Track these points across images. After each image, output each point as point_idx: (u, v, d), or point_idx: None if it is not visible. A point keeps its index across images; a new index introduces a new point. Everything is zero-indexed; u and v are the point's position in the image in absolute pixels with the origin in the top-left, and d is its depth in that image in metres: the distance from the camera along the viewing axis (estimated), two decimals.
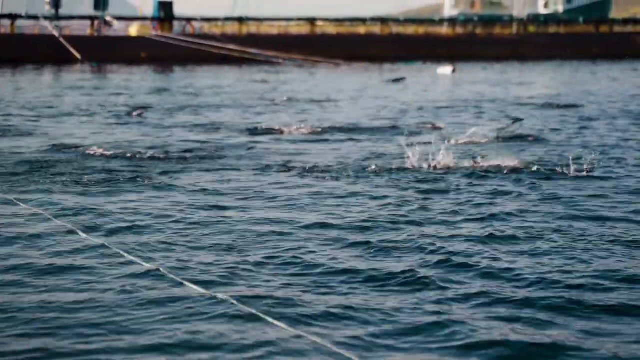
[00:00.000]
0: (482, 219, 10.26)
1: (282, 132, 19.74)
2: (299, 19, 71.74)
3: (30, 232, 9.48)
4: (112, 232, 9.58)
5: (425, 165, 14.00)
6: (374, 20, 74.20)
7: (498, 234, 9.54)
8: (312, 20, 70.87)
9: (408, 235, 9.42)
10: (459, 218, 10.38)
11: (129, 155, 15.52)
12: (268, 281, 7.75)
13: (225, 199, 11.60)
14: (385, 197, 11.67)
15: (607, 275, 7.95)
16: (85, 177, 13.12)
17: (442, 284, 7.66)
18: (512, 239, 9.34)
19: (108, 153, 15.67)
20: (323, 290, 7.52)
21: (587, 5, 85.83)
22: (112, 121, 22.39)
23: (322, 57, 60.39)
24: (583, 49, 71.11)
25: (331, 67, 57.13)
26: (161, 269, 7.85)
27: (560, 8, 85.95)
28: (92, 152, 15.71)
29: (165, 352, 6.14)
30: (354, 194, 11.88)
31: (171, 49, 60.28)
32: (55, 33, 59.27)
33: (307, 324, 6.57)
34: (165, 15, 65.78)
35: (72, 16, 65.81)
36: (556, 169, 13.85)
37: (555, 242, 9.21)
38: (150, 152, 15.92)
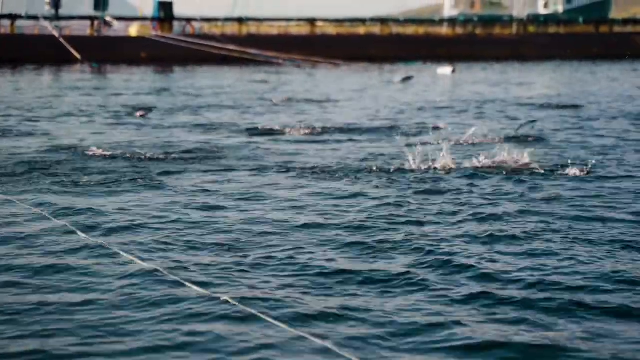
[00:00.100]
0: (481, 220, 10.26)
1: (281, 133, 19.73)
2: (299, 20, 71.75)
3: (29, 232, 9.48)
4: (111, 232, 9.58)
5: (424, 166, 13.99)
6: (374, 20, 74.21)
7: (497, 234, 9.53)
8: (312, 21, 70.87)
9: (407, 236, 9.42)
10: (458, 219, 10.38)
11: (128, 155, 15.52)
12: (267, 281, 7.74)
13: (225, 199, 11.60)
14: (384, 197, 11.66)
15: (607, 276, 7.94)
16: (85, 177, 13.12)
17: (441, 285, 7.66)
18: (512, 239, 9.33)
19: (107, 153, 15.67)
20: (322, 290, 7.52)
21: (587, 6, 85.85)
22: (111, 121, 22.38)
23: (322, 58, 60.38)
24: (583, 49, 71.11)
25: (331, 67, 57.12)
26: (160, 269, 7.84)
27: (560, 8, 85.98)
28: (91, 152, 15.71)
29: (164, 352, 6.14)
30: (353, 195, 11.87)
31: (171, 49, 60.28)
32: (55, 33, 59.27)
33: (305, 324, 6.56)
34: (165, 15, 65.79)
35: (72, 16, 65.81)
36: (556, 169, 13.85)
37: (555, 242, 9.20)
38: (149, 153, 15.92)
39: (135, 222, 10.05)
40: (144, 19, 68.51)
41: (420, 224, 10.10)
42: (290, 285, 7.63)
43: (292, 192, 12.16)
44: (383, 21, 74.24)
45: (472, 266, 8.19)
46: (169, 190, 12.17)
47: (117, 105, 27.28)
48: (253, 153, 16.28)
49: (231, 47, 61.32)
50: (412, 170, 13.81)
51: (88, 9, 65.58)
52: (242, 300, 6.99)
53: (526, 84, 40.85)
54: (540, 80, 44.53)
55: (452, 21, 77.84)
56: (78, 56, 56.69)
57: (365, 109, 26.53)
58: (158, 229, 9.77)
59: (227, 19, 69.82)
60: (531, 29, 78.21)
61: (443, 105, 28.01)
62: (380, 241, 9.20)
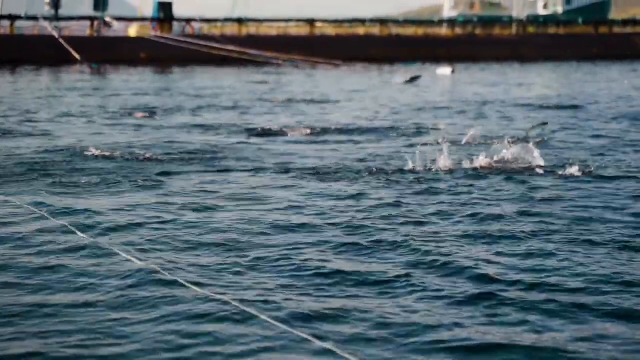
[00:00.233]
0: (481, 221, 10.25)
1: (281, 133, 19.73)
2: (298, 20, 71.78)
3: (28, 232, 9.48)
4: (110, 232, 9.57)
5: (424, 167, 13.99)
6: (374, 21, 74.22)
7: (497, 235, 9.53)
8: (311, 21, 70.89)
9: (407, 237, 9.41)
10: (458, 219, 10.37)
11: (127, 156, 15.52)
12: (266, 282, 7.74)
13: (224, 199, 11.59)
14: (383, 198, 11.66)
15: (606, 278, 7.93)
16: (84, 177, 13.12)
17: (440, 286, 7.65)
18: (511, 240, 9.33)
19: (107, 154, 15.67)
20: (321, 291, 7.51)
21: (587, 6, 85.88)
22: (111, 122, 22.37)
23: (322, 58, 60.39)
24: (582, 50, 71.14)
25: (330, 68, 57.13)
26: (159, 269, 7.84)
27: (560, 9, 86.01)
28: (90, 153, 15.70)
29: (162, 351, 6.13)
30: (352, 195, 11.87)
31: (171, 50, 60.28)
32: (55, 34, 59.26)
33: (304, 325, 6.55)
34: (164, 16, 65.80)
35: (72, 17, 65.81)
36: (555, 169, 13.84)
37: (555, 243, 9.19)
38: (148, 153, 15.91)
39: (134, 222, 10.05)
40: (143, 19, 68.53)
41: (419, 224, 10.09)
42: (289, 286, 7.62)
43: (291, 192, 12.16)
44: (382, 22, 74.26)
45: (471, 267, 8.19)
46: (168, 191, 12.16)
47: (117, 106, 27.27)
48: (252, 153, 16.28)
49: (231, 47, 61.33)
50: (412, 171, 13.80)
51: (88, 9, 65.58)
52: (241, 300, 6.99)
53: (526, 85, 40.86)
54: (540, 81, 44.54)
55: (451, 22, 77.86)
56: (77, 57, 56.68)
57: (365, 110, 26.53)
58: (157, 229, 9.77)
59: (226, 20, 69.84)
60: (531, 29, 78.25)
61: (443, 106, 28.01)
62: (380, 242, 9.19)
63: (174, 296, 7.22)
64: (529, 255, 8.69)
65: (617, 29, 79.90)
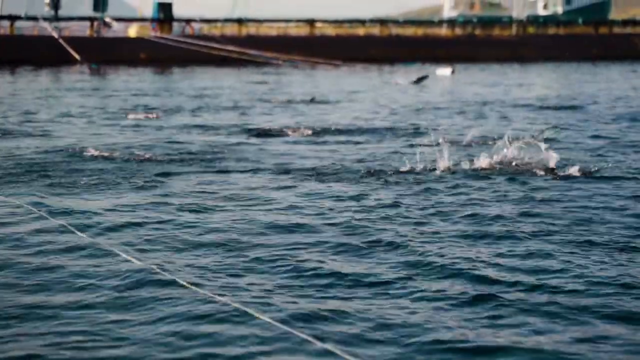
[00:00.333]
0: (480, 222, 10.23)
1: (280, 134, 19.72)
2: (298, 20, 71.82)
3: (27, 231, 9.47)
4: (109, 232, 9.56)
5: (423, 167, 13.97)
6: (373, 21, 74.26)
7: (496, 236, 9.51)
8: (311, 22, 70.93)
9: (406, 238, 9.40)
10: (457, 220, 10.36)
11: (126, 156, 15.51)
12: (264, 282, 7.72)
13: (223, 200, 11.58)
14: (383, 199, 11.65)
15: (606, 279, 7.92)
16: (83, 177, 13.11)
17: (439, 287, 7.64)
18: (510, 241, 9.32)
19: (106, 154, 15.66)
20: (319, 291, 7.50)
21: (587, 7, 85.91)
22: (110, 122, 22.37)
23: (322, 58, 60.41)
24: (582, 51, 71.16)
25: (330, 68, 57.13)
26: (157, 269, 7.83)
27: (560, 9, 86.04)
28: (90, 153, 15.69)
29: (160, 351, 6.12)
30: (351, 196, 11.85)
31: (170, 50, 60.31)
32: (55, 34, 59.29)
33: (302, 325, 6.54)
34: (164, 16, 65.83)
35: (72, 17, 65.85)
36: (555, 170, 13.83)
37: (554, 244, 9.18)
38: (148, 153, 15.90)
39: (133, 223, 10.04)
40: (143, 19, 68.57)
41: (419, 225, 10.08)
42: (288, 286, 7.61)
43: (291, 193, 12.15)
44: (382, 22, 74.30)
45: (471, 268, 8.18)
46: (168, 191, 12.15)
47: (116, 106, 27.27)
48: (252, 154, 16.27)
49: (230, 48, 61.35)
50: (411, 171, 13.79)
51: (87, 9, 65.60)
52: (240, 300, 6.98)
53: (525, 85, 40.86)
54: (540, 81, 44.54)
55: (451, 22, 77.91)
56: (77, 57, 56.70)
57: (365, 110, 26.53)
58: (156, 229, 9.76)
59: (226, 20, 69.88)
60: (530, 30, 78.29)
61: (442, 106, 28.00)
62: (379, 242, 9.18)
63: (173, 296, 7.21)
64: (528, 256, 8.68)
65: (617, 29, 79.92)
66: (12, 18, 62.24)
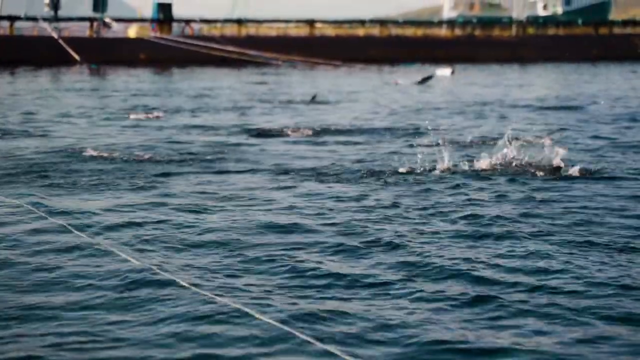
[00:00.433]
0: (479, 223, 10.22)
1: (280, 134, 19.71)
2: (298, 21, 71.85)
3: (26, 231, 9.47)
4: (108, 232, 9.55)
5: (423, 168, 13.96)
6: (373, 22, 74.28)
7: (496, 237, 9.50)
8: (311, 22, 70.95)
9: (405, 238, 9.39)
10: (457, 221, 10.34)
11: (126, 156, 15.50)
12: (263, 282, 7.71)
13: (222, 200, 11.57)
14: (382, 199, 11.64)
15: (606, 280, 7.90)
16: (83, 177, 13.11)
17: (438, 288, 7.62)
18: (510, 242, 9.30)
19: (106, 154, 15.65)
20: (318, 291, 7.49)
21: (586, 7, 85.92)
22: (109, 123, 22.37)
23: (321, 59, 60.41)
24: (582, 51, 71.17)
25: (330, 68, 57.13)
26: (157, 269, 7.82)
27: (559, 10, 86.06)
28: (89, 153, 15.69)
29: (159, 351, 6.12)
30: (351, 197, 11.84)
31: (170, 51, 60.31)
32: (54, 34, 59.30)
33: (302, 325, 6.53)
34: (164, 16, 65.85)
35: (71, 18, 65.88)
36: (555, 171, 13.82)
37: (553, 245, 9.17)
38: (147, 154, 15.90)
39: (132, 223, 10.03)
40: (142, 20, 68.57)
41: (419, 226, 10.07)
42: (287, 287, 7.60)
43: (290, 193, 12.14)
44: (382, 22, 74.33)
45: (470, 269, 8.17)
46: (167, 191, 12.15)
47: (116, 107, 27.27)
48: (251, 154, 16.26)
49: (230, 48, 61.35)
50: (411, 172, 13.78)
51: (87, 10, 65.60)
52: (238, 300, 6.97)
53: (525, 86, 40.86)
54: (540, 82, 44.54)
55: (451, 23, 77.93)
56: (77, 57, 56.71)
57: (364, 111, 26.52)
58: (156, 229, 9.75)
59: (226, 20, 69.90)
60: (530, 30, 78.31)
61: (442, 107, 28.00)
62: (379, 243, 9.17)
63: (172, 296, 7.21)
64: (528, 256, 8.66)
65: (617, 30, 79.92)
66: (12, 18, 62.25)
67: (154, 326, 6.60)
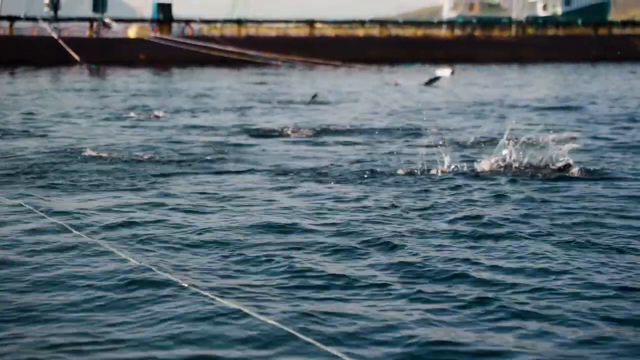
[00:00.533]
0: (479, 224, 10.21)
1: (280, 134, 19.71)
2: (298, 21, 71.85)
3: (25, 231, 9.47)
4: (107, 232, 9.55)
5: (422, 168, 13.95)
6: (373, 22, 74.28)
7: (495, 238, 9.50)
8: (310, 22, 70.95)
9: (403, 239, 9.39)
10: (456, 222, 10.34)
11: (126, 156, 15.50)
12: (262, 282, 7.71)
13: (221, 200, 11.57)
14: (381, 200, 11.64)
15: (606, 281, 7.91)
16: (82, 178, 13.11)
17: (437, 289, 7.62)
18: (508, 243, 9.30)
19: (105, 154, 15.65)
20: (317, 292, 7.49)
21: (586, 8, 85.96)
22: (109, 123, 22.38)
23: (321, 59, 60.41)
24: (582, 52, 71.18)
25: (330, 69, 57.13)
26: (155, 269, 7.82)
27: (559, 10, 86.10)
28: (89, 154, 15.69)
29: (156, 350, 6.12)
30: (351, 198, 11.84)
31: (170, 51, 60.29)
32: (54, 35, 59.28)
33: (301, 325, 6.53)
34: (164, 17, 65.84)
35: (71, 18, 65.88)
36: (554, 171, 13.82)
37: (553, 246, 9.17)
38: (147, 154, 15.90)
39: (132, 223, 10.03)
40: (142, 20, 68.57)
41: (418, 226, 10.07)
42: (286, 287, 7.60)
43: (290, 194, 12.14)
44: (382, 23, 74.33)
45: (469, 270, 8.17)
46: (166, 191, 12.15)
47: (115, 107, 27.27)
48: (251, 154, 16.27)
49: (230, 48, 61.35)
50: (410, 173, 13.78)
51: (87, 10, 65.59)
52: (237, 300, 6.97)
53: (525, 86, 40.87)
54: (539, 82, 44.55)
55: (450, 23, 77.94)
56: (77, 58, 56.69)
57: (364, 111, 26.53)
58: (155, 229, 9.75)
59: (226, 21, 69.90)
60: (530, 31, 78.31)
61: (442, 107, 28.00)
62: (378, 244, 9.17)
63: (171, 296, 7.21)
64: (528, 257, 8.66)
65: (616, 31, 79.94)
66: (12, 19, 62.23)
67: (152, 326, 6.61)
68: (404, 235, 9.52)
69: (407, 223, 10.19)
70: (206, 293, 7.16)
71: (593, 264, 8.40)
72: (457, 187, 12.59)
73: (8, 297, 7.28)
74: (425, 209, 11.03)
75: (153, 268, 7.91)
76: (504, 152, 14.43)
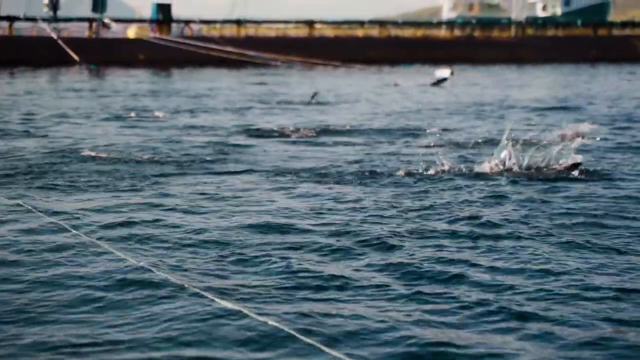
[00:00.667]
0: (478, 225, 10.20)
1: (279, 135, 19.71)
2: (297, 22, 71.86)
3: (24, 230, 9.46)
4: (106, 232, 9.54)
5: (421, 169, 13.95)
6: (372, 22, 74.31)
7: (494, 239, 9.49)
8: (310, 23, 70.97)
9: (402, 240, 9.39)
10: (455, 223, 10.33)
11: (125, 156, 15.50)
12: (261, 282, 7.70)
13: (221, 201, 11.56)
14: (381, 200, 11.63)
15: (605, 282, 7.90)
16: (81, 178, 13.10)
17: (436, 290, 7.62)
18: (507, 244, 9.29)
19: (104, 155, 15.65)
20: (316, 292, 7.49)
21: (586, 8, 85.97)
22: (109, 123, 22.37)
23: (320, 60, 60.42)
24: (581, 52, 71.20)
25: (329, 69, 57.13)
26: (153, 269, 7.82)
27: (559, 11, 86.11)
28: (88, 154, 15.68)
29: (154, 349, 6.12)
30: (350, 198, 11.84)
31: (169, 51, 60.29)
32: (54, 35, 59.28)
33: (301, 326, 6.52)
34: (163, 17, 65.84)
35: (70, 18, 65.89)
36: (554, 172, 13.82)
37: (552, 247, 9.17)
38: (146, 154, 15.90)
39: (131, 222, 10.02)
40: (142, 20, 68.57)
41: (417, 227, 10.06)
42: (286, 287, 7.60)
43: (289, 194, 12.14)
44: (381, 23, 74.36)
45: (468, 271, 8.17)
46: (165, 191, 12.14)
47: (115, 107, 27.27)
48: (250, 155, 16.26)
49: (229, 49, 61.35)
50: (409, 173, 13.77)
51: (86, 10, 65.59)
52: (235, 300, 6.97)
53: (524, 87, 40.87)
54: (539, 83, 44.56)
55: (450, 23, 77.96)
56: (76, 58, 56.69)
57: (363, 111, 26.52)
58: (155, 229, 9.74)
59: (225, 21, 69.90)
60: (529, 31, 78.33)
61: (441, 108, 28.00)
62: (377, 244, 9.16)
63: (169, 296, 7.20)
64: (528, 258, 8.65)
65: (616, 31, 79.96)
66: (11, 19, 62.22)
67: (151, 326, 6.60)
68: (403, 236, 9.51)
69: (406, 224, 10.19)
70: (205, 293, 7.15)
71: (593, 265, 8.39)
72: (457, 187, 12.59)
73: (6, 297, 7.27)
74: (424, 209, 11.02)
75: (152, 268, 7.91)
76: (504, 152, 14.42)
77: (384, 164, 14.90)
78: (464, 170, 13.90)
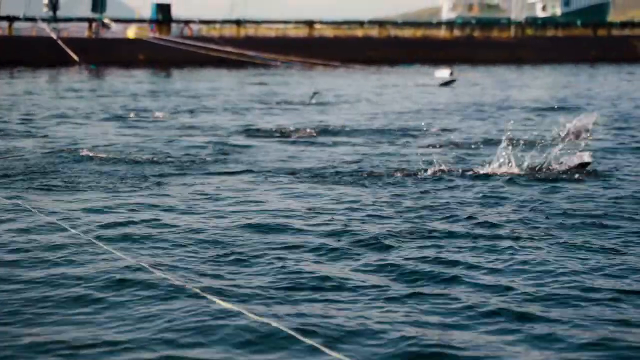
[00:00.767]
0: (477, 225, 10.19)
1: (278, 135, 19.71)
2: (297, 22, 71.89)
3: (22, 230, 9.46)
4: (104, 231, 9.54)
5: (421, 169, 13.94)
6: (372, 23, 74.35)
7: (493, 240, 9.48)
8: (310, 23, 70.99)
9: (402, 240, 9.38)
10: (454, 223, 10.33)
11: (124, 157, 15.49)
12: (260, 282, 7.70)
13: (220, 201, 11.56)
14: (380, 201, 11.63)
15: (605, 283, 7.90)
16: (80, 178, 13.09)
17: (434, 291, 7.61)
18: (507, 245, 9.27)
19: (104, 155, 15.64)
20: (315, 292, 7.48)
21: (585, 9, 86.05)
22: (108, 123, 22.36)
23: (320, 60, 60.42)
24: (581, 53, 71.21)
25: (329, 69, 57.13)
26: (151, 268, 7.81)
27: (558, 11, 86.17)
28: (87, 154, 15.67)
29: (149, 348, 6.11)
30: (350, 199, 11.83)
31: (169, 52, 60.28)
32: (53, 35, 59.27)
33: (300, 326, 6.52)
34: (163, 17, 65.84)
35: (70, 18, 65.89)
36: (554, 172, 13.81)
37: (552, 247, 9.16)
38: (146, 154, 15.89)
39: (130, 222, 10.02)
40: (141, 21, 68.56)
41: (416, 227, 10.06)
42: (285, 288, 7.59)
43: (288, 194, 12.13)
44: (381, 24, 74.39)
45: (467, 271, 8.16)
46: (165, 191, 12.13)
47: (114, 108, 27.26)
48: (250, 155, 16.25)
49: (229, 49, 61.34)
50: (409, 174, 13.77)
51: (86, 10, 65.59)
52: (234, 300, 6.96)
53: (524, 87, 40.87)
54: (538, 83, 44.56)
55: (450, 24, 77.98)
56: (76, 58, 56.69)
57: (363, 112, 26.52)
58: (153, 229, 9.74)
59: (225, 21, 69.91)
60: (529, 31, 78.35)
61: (441, 108, 28.00)
62: (377, 244, 9.15)
63: (167, 296, 7.20)
64: (527, 259, 8.64)
65: (615, 31, 79.99)
66: (11, 19, 62.21)
67: (148, 326, 6.59)
68: (403, 236, 9.51)
69: (406, 224, 10.18)
70: (204, 294, 7.15)
71: (592, 266, 8.38)
72: (456, 187, 12.58)
73: (5, 297, 7.26)
74: (424, 209, 11.01)
75: (150, 268, 7.90)
76: (503, 153, 14.41)
77: (383, 164, 14.90)
78: (463, 170, 13.89)
